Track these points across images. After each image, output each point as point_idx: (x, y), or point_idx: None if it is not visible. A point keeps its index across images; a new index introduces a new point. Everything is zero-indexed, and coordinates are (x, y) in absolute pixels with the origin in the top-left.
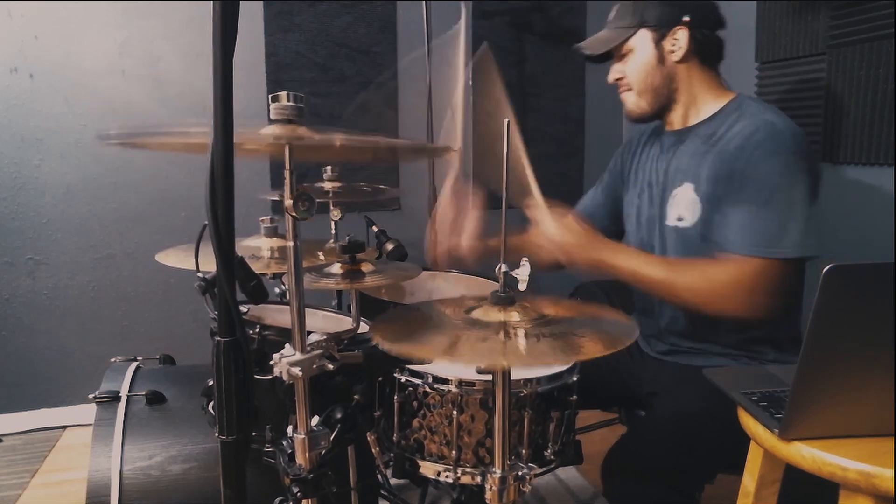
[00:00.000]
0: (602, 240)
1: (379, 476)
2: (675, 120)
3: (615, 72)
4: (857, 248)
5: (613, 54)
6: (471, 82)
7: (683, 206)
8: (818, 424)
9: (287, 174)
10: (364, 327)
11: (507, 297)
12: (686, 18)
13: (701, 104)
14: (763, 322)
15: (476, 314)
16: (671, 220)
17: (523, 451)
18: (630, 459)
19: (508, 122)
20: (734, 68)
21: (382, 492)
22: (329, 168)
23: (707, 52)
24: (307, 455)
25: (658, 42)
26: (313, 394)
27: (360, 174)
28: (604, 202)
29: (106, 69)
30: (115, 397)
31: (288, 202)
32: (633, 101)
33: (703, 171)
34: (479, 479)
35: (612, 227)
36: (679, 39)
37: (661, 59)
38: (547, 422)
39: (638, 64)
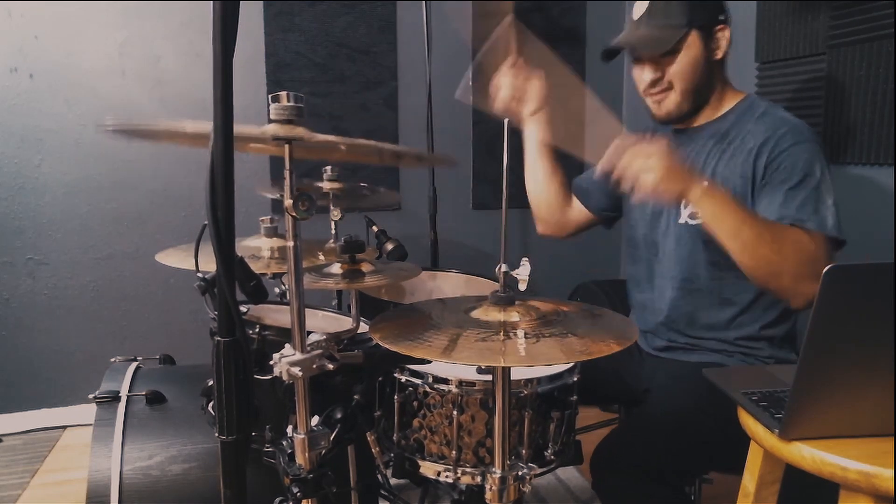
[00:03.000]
0: (693, 175)
1: (379, 476)
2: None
3: (652, 72)
4: (858, 248)
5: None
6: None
7: None
8: (818, 424)
9: (287, 174)
10: (364, 327)
11: (507, 297)
12: (722, 17)
13: (714, 103)
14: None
15: (476, 314)
16: (683, 218)
17: (523, 451)
18: (620, 453)
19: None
20: (734, 68)
21: (382, 492)
22: (329, 168)
23: (726, 52)
24: (307, 455)
25: (706, 41)
26: (313, 394)
27: (360, 174)
28: (603, 183)
29: (106, 69)
30: (115, 397)
31: (288, 202)
32: (674, 102)
33: (719, 170)
34: (479, 479)
35: (607, 210)
36: (721, 38)
37: (707, 58)
38: (547, 422)
39: (686, 64)
